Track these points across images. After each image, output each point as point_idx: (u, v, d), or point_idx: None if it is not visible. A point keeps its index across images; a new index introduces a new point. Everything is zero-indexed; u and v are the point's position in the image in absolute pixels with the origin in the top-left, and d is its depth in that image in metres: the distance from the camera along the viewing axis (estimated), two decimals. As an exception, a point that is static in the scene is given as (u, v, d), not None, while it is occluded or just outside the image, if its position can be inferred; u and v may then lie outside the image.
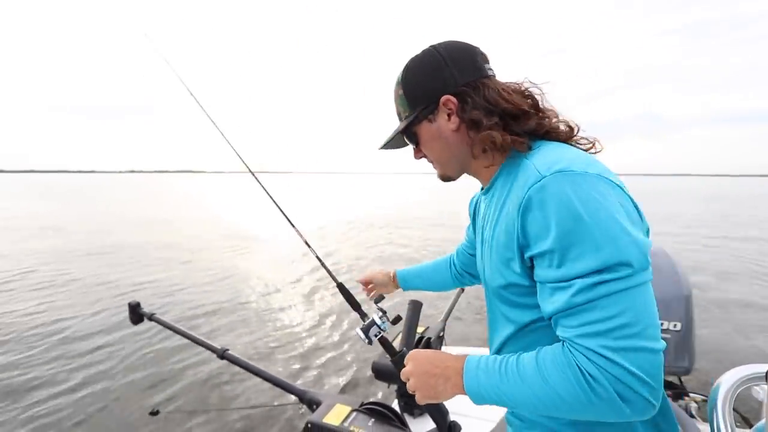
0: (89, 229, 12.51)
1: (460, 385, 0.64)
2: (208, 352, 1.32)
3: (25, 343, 4.20)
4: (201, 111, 1.28)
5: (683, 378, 2.15)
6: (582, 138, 0.72)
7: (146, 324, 1.45)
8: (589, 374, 0.53)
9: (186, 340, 1.38)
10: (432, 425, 1.10)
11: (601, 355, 0.52)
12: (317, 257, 1.20)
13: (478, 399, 0.63)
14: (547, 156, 0.63)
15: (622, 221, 0.56)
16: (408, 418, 1.87)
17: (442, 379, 0.66)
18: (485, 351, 1.02)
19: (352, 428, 1.01)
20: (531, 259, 0.62)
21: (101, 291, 6.05)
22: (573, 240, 0.55)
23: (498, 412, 1.09)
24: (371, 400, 1.15)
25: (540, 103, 0.71)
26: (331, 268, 1.20)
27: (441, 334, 1.91)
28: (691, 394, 2.00)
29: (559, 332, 0.58)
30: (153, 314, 1.42)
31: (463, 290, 2.08)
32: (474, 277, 1.18)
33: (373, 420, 1.06)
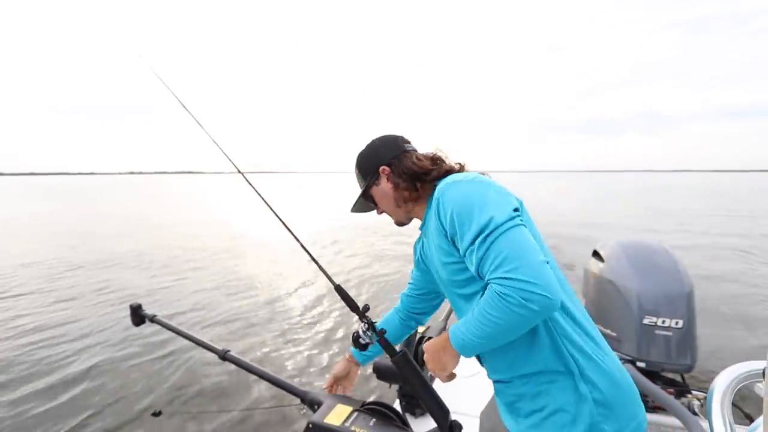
0: (101, 233, 12.54)
1: (453, 349, 0.89)
2: (210, 354, 1.32)
3: (31, 344, 4.22)
4: (198, 112, 1.28)
5: (686, 375, 2.15)
6: (475, 171, 1.03)
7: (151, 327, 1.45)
8: (503, 293, 0.75)
9: (188, 342, 1.38)
10: (433, 425, 1.09)
11: (504, 278, 0.76)
12: (314, 260, 1.19)
13: (465, 351, 0.87)
14: (443, 181, 0.94)
15: (486, 197, 0.84)
16: (409, 418, 1.87)
17: (441, 351, 0.92)
18: None
19: (353, 428, 1.01)
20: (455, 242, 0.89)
21: (108, 296, 6.06)
22: (462, 219, 0.84)
23: None
24: (372, 400, 1.15)
25: (443, 159, 1.04)
26: (329, 269, 1.19)
27: (441, 333, 1.91)
28: (693, 392, 2.00)
29: (486, 279, 0.81)
30: (154, 316, 1.41)
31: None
32: (421, 315, 1.32)
33: (374, 420, 1.06)
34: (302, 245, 1.21)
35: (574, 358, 0.84)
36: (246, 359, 1.29)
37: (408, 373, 1.09)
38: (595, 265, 2.22)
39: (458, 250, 0.87)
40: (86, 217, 17.05)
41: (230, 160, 1.29)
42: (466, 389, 1.78)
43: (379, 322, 1.33)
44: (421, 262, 1.18)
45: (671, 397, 1.81)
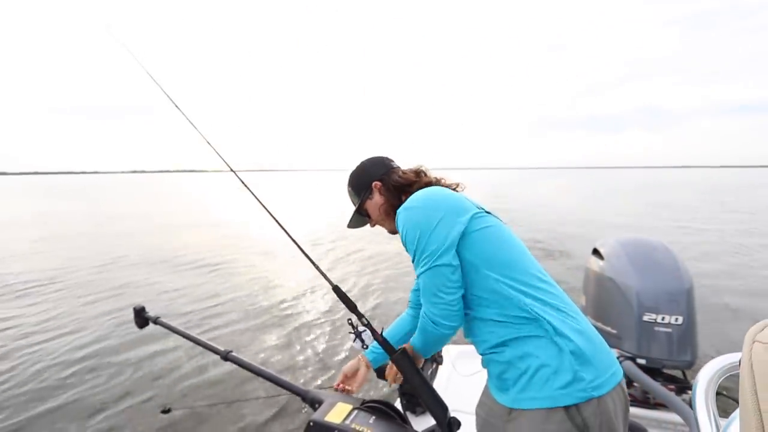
0: (102, 233, 12.57)
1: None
2: (212, 354, 1.33)
3: (36, 346, 4.24)
4: (197, 111, 1.28)
5: (687, 371, 2.15)
6: (452, 182, 1.21)
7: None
8: (425, 323, 1.05)
9: (190, 343, 1.39)
10: (433, 422, 1.10)
11: (425, 311, 1.04)
12: (310, 260, 1.20)
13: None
14: (407, 200, 1.11)
15: (426, 232, 1.01)
16: (409, 416, 1.87)
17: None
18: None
19: (353, 426, 1.02)
20: None
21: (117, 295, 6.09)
22: (407, 245, 1.05)
23: None
24: (372, 398, 1.15)
25: (425, 172, 1.22)
26: (327, 268, 1.20)
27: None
28: (694, 388, 1.99)
29: None
30: (158, 318, 1.42)
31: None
32: None
33: (374, 418, 1.06)
34: (298, 245, 1.22)
35: (545, 320, 0.95)
36: (247, 359, 1.30)
37: (407, 370, 1.10)
38: (595, 263, 2.22)
39: None
40: (91, 216, 17.10)
41: (224, 160, 1.31)
42: (466, 387, 1.78)
43: (390, 326, 1.35)
44: None
45: (672, 394, 1.81)
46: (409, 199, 1.10)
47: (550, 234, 10.78)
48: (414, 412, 1.91)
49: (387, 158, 1.27)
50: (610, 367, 0.95)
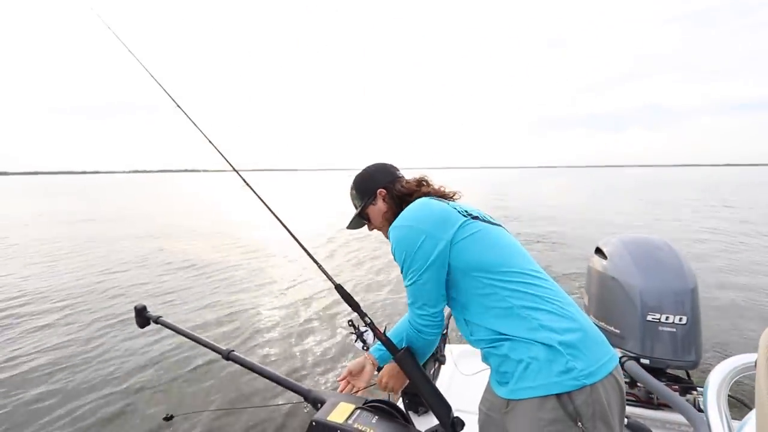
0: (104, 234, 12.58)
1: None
2: (214, 354, 1.32)
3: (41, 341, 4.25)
4: (197, 111, 1.28)
5: (691, 372, 2.13)
6: (450, 191, 1.26)
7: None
8: (410, 330, 1.14)
9: (192, 342, 1.38)
10: (436, 422, 1.09)
11: (410, 318, 1.13)
12: (313, 259, 1.19)
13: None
14: (398, 217, 1.16)
15: (411, 252, 1.07)
16: (412, 416, 1.87)
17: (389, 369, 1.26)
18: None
19: (356, 426, 1.01)
20: None
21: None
22: (397, 260, 1.12)
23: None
24: (375, 398, 1.15)
25: (427, 182, 1.27)
26: (330, 267, 1.19)
27: (444, 331, 1.91)
28: (698, 388, 1.98)
29: None
30: (159, 317, 1.41)
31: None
32: None
33: (377, 417, 1.05)
34: (300, 244, 1.21)
35: (536, 314, 0.99)
36: (249, 359, 1.29)
37: (410, 370, 1.09)
38: (598, 262, 2.21)
39: None
40: (87, 217, 17.13)
41: (231, 166, 1.30)
42: (468, 387, 1.78)
43: (392, 328, 1.34)
44: None
45: (676, 394, 1.80)
46: (399, 217, 1.15)
47: (551, 233, 10.77)
48: (417, 411, 1.90)
49: (393, 166, 1.31)
50: (602, 357, 0.97)
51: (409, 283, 1.10)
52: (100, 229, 13.07)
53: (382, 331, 1.18)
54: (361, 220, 1.32)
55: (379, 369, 1.39)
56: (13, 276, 7.11)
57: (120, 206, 22.69)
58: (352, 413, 1.05)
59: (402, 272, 1.12)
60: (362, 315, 1.13)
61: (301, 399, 1.21)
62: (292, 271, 7.23)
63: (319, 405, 1.13)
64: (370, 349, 1.30)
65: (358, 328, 1.14)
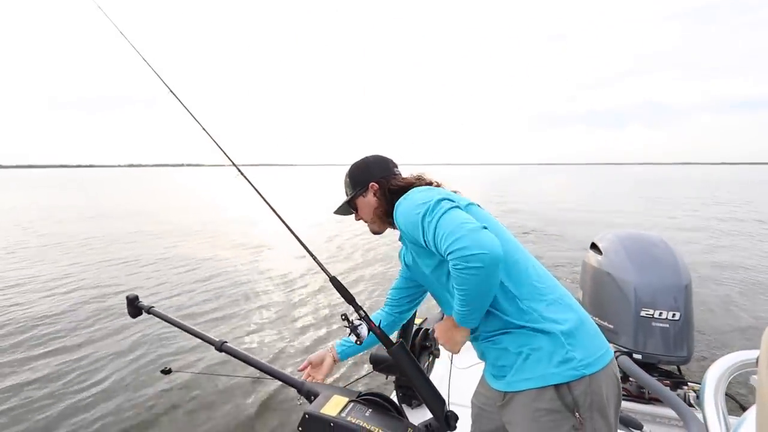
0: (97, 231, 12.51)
1: (454, 324, 1.04)
2: (206, 345, 1.31)
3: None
4: (196, 107, 1.27)
5: (682, 367, 2.15)
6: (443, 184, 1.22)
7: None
8: (455, 267, 0.90)
9: (185, 333, 1.38)
10: (429, 415, 1.10)
11: (450, 253, 0.90)
12: (309, 252, 1.19)
13: (463, 322, 1.01)
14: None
15: (435, 196, 1.01)
16: (406, 409, 1.88)
17: (451, 329, 1.05)
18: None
19: (349, 419, 1.01)
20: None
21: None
22: (413, 224, 1.01)
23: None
24: (369, 391, 1.15)
25: (425, 178, 1.22)
26: (324, 261, 1.19)
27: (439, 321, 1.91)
28: (689, 383, 2.00)
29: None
30: (151, 307, 1.40)
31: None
32: (406, 306, 1.39)
33: (370, 410, 1.06)
34: (297, 237, 1.21)
35: (532, 308, 0.98)
36: (242, 350, 1.29)
37: (405, 363, 1.09)
38: (593, 258, 2.21)
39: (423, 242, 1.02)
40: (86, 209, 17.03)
41: (226, 155, 1.29)
42: (462, 380, 1.78)
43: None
44: (406, 268, 1.29)
45: (667, 389, 1.82)
46: (403, 198, 1.11)
47: (548, 228, 10.80)
48: (410, 404, 1.91)
49: (392, 161, 1.28)
50: (600, 348, 0.99)
51: (436, 216, 0.95)
52: (93, 223, 13.01)
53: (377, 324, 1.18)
54: (349, 208, 1.30)
55: (376, 366, 1.39)
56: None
57: (116, 202, 22.56)
58: (346, 406, 1.06)
59: (424, 222, 0.97)
60: (357, 308, 1.13)
61: (295, 391, 1.22)
62: (288, 264, 7.23)
63: (313, 397, 1.13)
64: (335, 343, 1.35)
65: (352, 322, 1.14)
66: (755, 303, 5.25)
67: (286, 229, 1.20)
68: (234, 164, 1.32)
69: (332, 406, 1.06)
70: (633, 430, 1.73)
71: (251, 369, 1.26)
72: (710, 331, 4.27)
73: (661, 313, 1.91)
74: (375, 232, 1.29)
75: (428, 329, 1.94)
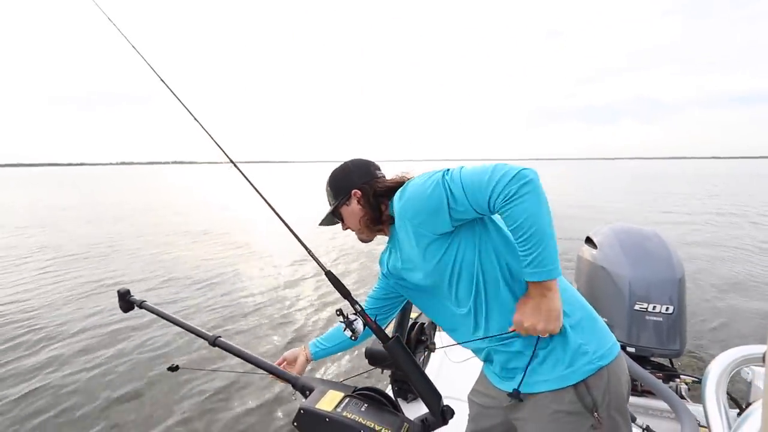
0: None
1: (552, 285, 0.89)
2: (200, 340, 1.30)
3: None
4: (192, 103, 1.25)
5: (674, 360, 2.18)
6: None
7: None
8: (510, 195, 0.84)
9: (177, 328, 1.36)
10: (425, 410, 1.10)
11: (496, 184, 0.85)
12: (304, 246, 1.18)
13: (556, 269, 0.89)
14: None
15: (429, 176, 0.96)
16: (401, 403, 1.88)
17: (547, 297, 0.89)
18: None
19: (345, 414, 1.01)
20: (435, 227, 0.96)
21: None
22: (425, 203, 0.94)
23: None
24: (364, 386, 1.15)
25: (407, 174, 1.13)
26: (320, 256, 1.18)
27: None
28: (682, 376, 2.03)
29: (492, 206, 0.88)
30: (143, 302, 1.37)
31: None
32: (383, 315, 1.34)
33: (366, 405, 1.05)
34: (293, 232, 1.19)
35: None
36: (236, 345, 1.28)
37: (400, 358, 1.09)
38: (588, 252, 2.22)
39: (447, 224, 0.94)
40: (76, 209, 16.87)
41: (223, 151, 1.27)
42: (458, 374, 1.79)
43: (324, 335, 1.38)
44: (390, 275, 1.22)
45: (660, 382, 1.83)
46: (401, 191, 1.01)
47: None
48: (406, 398, 1.92)
49: (373, 164, 1.20)
50: (609, 339, 0.99)
51: (459, 170, 0.92)
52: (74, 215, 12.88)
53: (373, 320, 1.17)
54: (334, 218, 1.24)
55: (371, 361, 1.39)
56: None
57: (110, 200, 22.36)
58: (341, 401, 1.05)
59: (445, 201, 0.91)
60: (353, 302, 1.12)
61: (289, 386, 1.21)
62: (285, 259, 7.22)
63: (308, 392, 1.13)
64: (309, 343, 1.35)
65: (347, 317, 1.13)
66: (749, 297, 5.32)
67: (283, 225, 1.19)
68: (230, 160, 1.29)
69: (327, 402, 1.05)
70: (626, 422, 1.75)
71: (245, 365, 1.25)
72: (702, 324, 4.32)
73: (654, 307, 1.93)
74: (364, 241, 1.24)
75: (423, 323, 1.94)
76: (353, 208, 1.16)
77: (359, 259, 7.44)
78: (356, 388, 1.13)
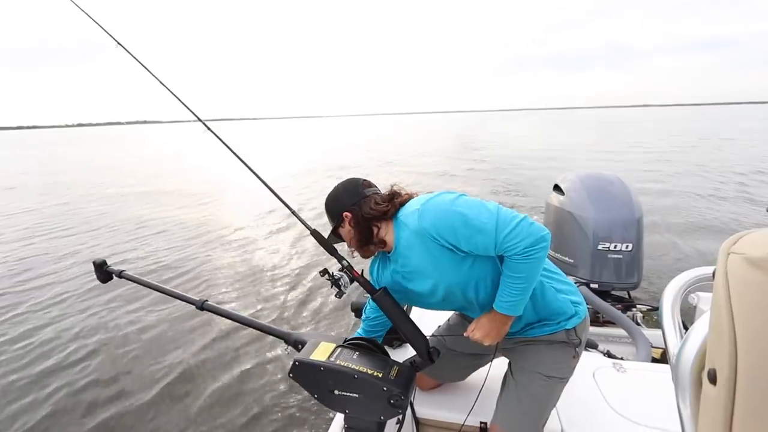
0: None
1: (505, 318, 1.12)
2: (187, 306, 1.29)
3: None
4: (153, 59, 1.17)
5: (632, 292, 2.40)
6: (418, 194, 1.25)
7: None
8: (527, 253, 1.03)
9: (161, 295, 1.33)
10: (410, 354, 1.19)
11: (518, 242, 1.02)
12: (287, 205, 1.18)
13: (516, 311, 1.10)
14: (409, 208, 1.15)
15: (466, 208, 1.07)
16: (388, 350, 2.00)
17: (500, 323, 1.14)
18: None
19: (338, 362, 1.06)
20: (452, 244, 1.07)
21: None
22: (467, 230, 1.05)
23: None
24: (353, 336, 1.21)
25: (400, 192, 1.20)
26: (302, 214, 1.19)
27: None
28: (638, 306, 2.25)
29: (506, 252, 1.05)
30: (122, 271, 1.33)
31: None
32: (379, 332, 1.48)
33: (357, 353, 1.11)
34: (273, 191, 1.19)
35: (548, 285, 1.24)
36: (225, 307, 1.29)
37: (389, 308, 1.15)
38: (556, 198, 2.34)
39: (451, 246, 1.07)
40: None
41: (189, 109, 1.21)
42: (440, 319, 1.91)
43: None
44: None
45: (619, 312, 2.04)
46: (416, 203, 1.13)
47: (513, 173, 11.11)
48: (392, 345, 2.04)
49: (363, 184, 1.23)
50: (579, 294, 1.30)
51: (497, 208, 1.05)
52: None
53: (360, 273, 1.22)
54: (336, 239, 1.29)
55: (360, 313, 1.44)
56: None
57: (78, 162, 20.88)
58: (334, 351, 1.11)
59: (482, 237, 1.03)
60: (339, 258, 1.16)
61: (281, 343, 1.25)
62: (265, 219, 7.14)
63: (300, 346, 1.17)
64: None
65: (333, 275, 1.17)
66: (699, 235, 5.78)
67: (261, 183, 1.17)
68: (199, 119, 1.24)
69: (321, 352, 1.10)
70: (590, 348, 1.95)
71: (235, 329, 1.26)
72: (657, 257, 4.70)
73: (615, 246, 2.09)
74: (364, 257, 1.29)
75: None
76: (347, 230, 1.22)
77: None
78: (347, 338, 1.19)
